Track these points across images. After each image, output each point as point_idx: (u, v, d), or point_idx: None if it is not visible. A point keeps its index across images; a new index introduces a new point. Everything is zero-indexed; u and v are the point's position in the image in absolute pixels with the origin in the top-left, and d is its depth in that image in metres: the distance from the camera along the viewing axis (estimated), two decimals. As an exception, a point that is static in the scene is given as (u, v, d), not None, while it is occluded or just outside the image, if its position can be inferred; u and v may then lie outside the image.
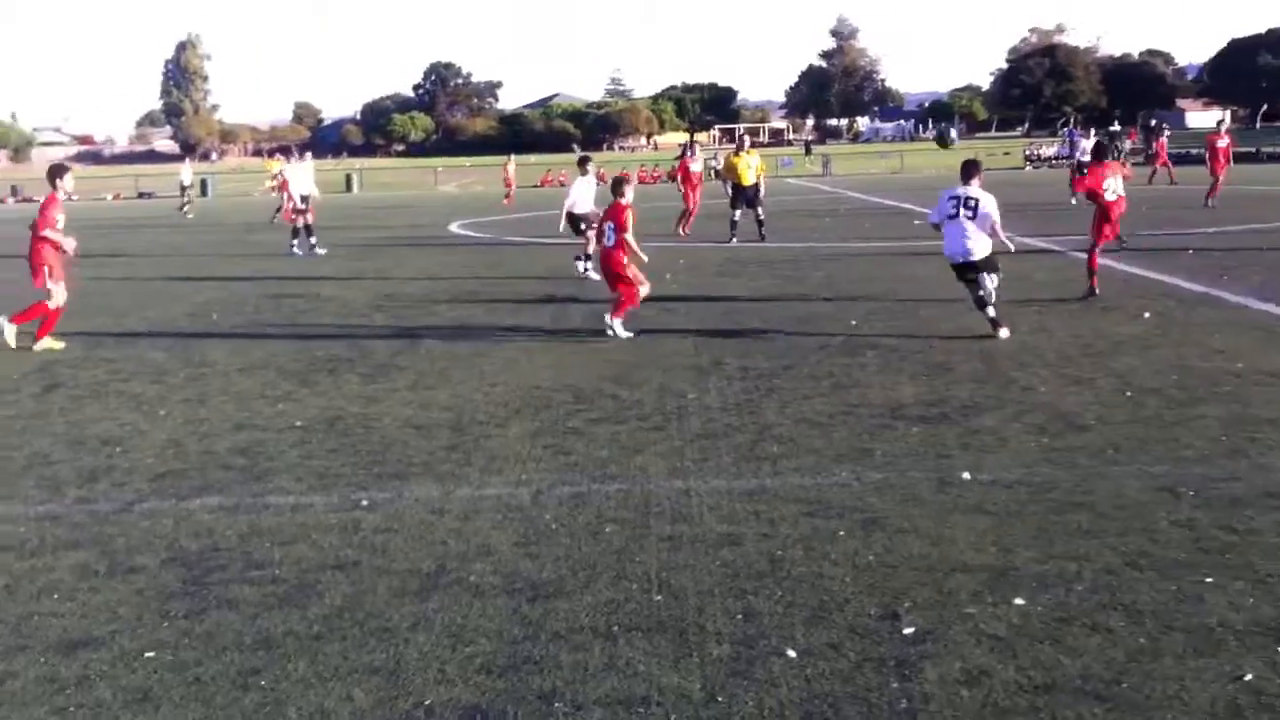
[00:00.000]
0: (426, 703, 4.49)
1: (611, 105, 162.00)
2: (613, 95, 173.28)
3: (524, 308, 15.19)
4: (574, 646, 4.91)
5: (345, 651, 4.96)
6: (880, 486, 7.02)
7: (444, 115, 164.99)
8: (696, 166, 27.63)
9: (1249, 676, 4.44)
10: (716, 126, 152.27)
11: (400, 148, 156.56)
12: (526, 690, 4.55)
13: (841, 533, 6.22)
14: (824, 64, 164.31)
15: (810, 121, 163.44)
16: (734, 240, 23.77)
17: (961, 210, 11.91)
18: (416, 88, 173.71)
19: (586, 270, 17.91)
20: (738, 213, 24.44)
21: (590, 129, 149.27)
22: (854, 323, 13.04)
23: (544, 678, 4.64)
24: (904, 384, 9.83)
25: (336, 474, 7.67)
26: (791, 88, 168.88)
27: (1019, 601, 5.23)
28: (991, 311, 11.92)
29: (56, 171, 13.41)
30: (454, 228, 32.21)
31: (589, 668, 4.71)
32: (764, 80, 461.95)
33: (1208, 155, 29.34)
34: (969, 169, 12.36)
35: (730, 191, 24.88)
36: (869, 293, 15.55)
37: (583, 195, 18.74)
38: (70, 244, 12.98)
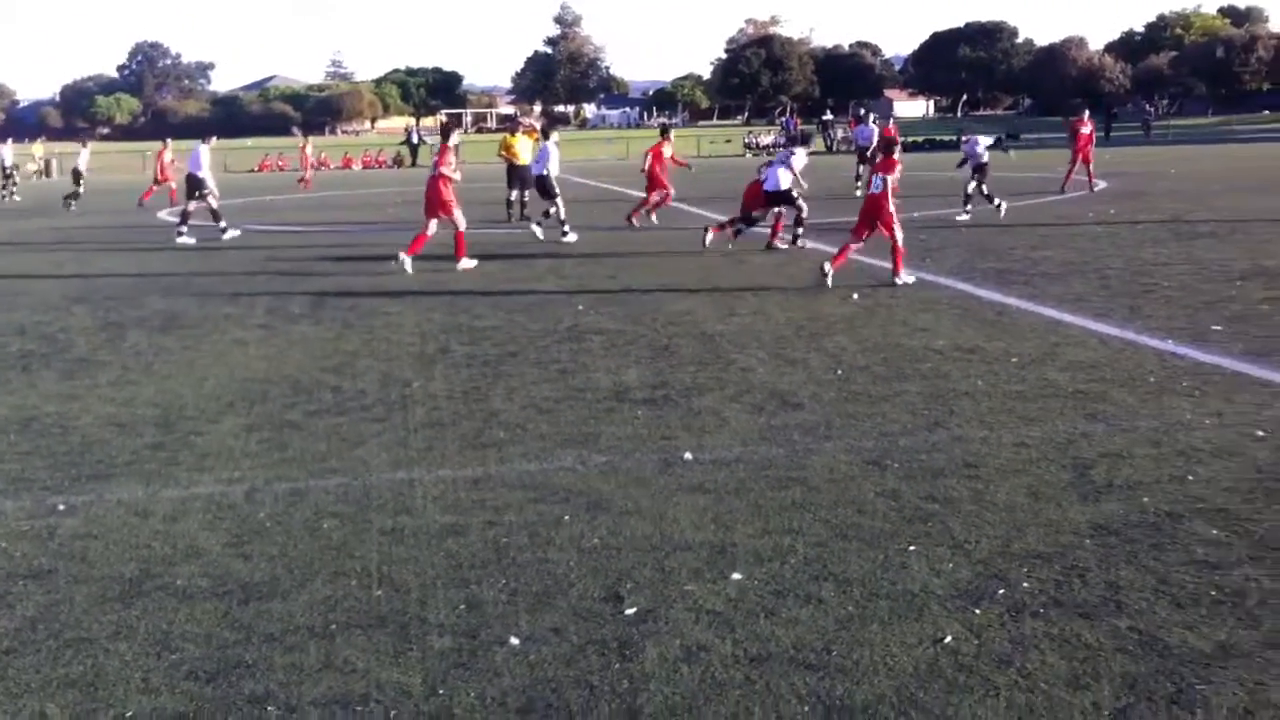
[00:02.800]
0: (128, 714, 4.23)
1: (333, 88, 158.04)
2: (334, 78, 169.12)
3: (239, 298, 14.59)
4: (288, 647, 4.72)
5: (39, 665, 4.63)
6: (605, 470, 7.07)
7: (152, 97, 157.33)
8: (668, 151, 23.80)
9: (948, 639, 4.67)
10: (443, 111, 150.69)
11: (105, 131, 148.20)
12: (237, 695, 4.35)
13: (566, 517, 6.22)
14: (549, 50, 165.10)
15: (538, 107, 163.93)
16: (511, 219, 24.75)
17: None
18: (121, 68, 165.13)
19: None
20: (514, 193, 25.02)
21: (311, 112, 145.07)
22: (581, 308, 13.11)
23: (256, 681, 4.45)
24: (629, 367, 9.93)
25: (30, 477, 7.15)
26: (518, 74, 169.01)
27: (736, 576, 5.35)
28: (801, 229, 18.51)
29: (448, 128, 18.89)
30: (164, 215, 30.66)
31: (304, 668, 4.54)
32: (490, 66, 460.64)
33: (1071, 140, 29.69)
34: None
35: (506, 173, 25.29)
36: (595, 278, 15.68)
37: (553, 161, 21.42)
38: (458, 175, 17.13)
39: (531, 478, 6.93)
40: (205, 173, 22.83)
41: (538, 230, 20.72)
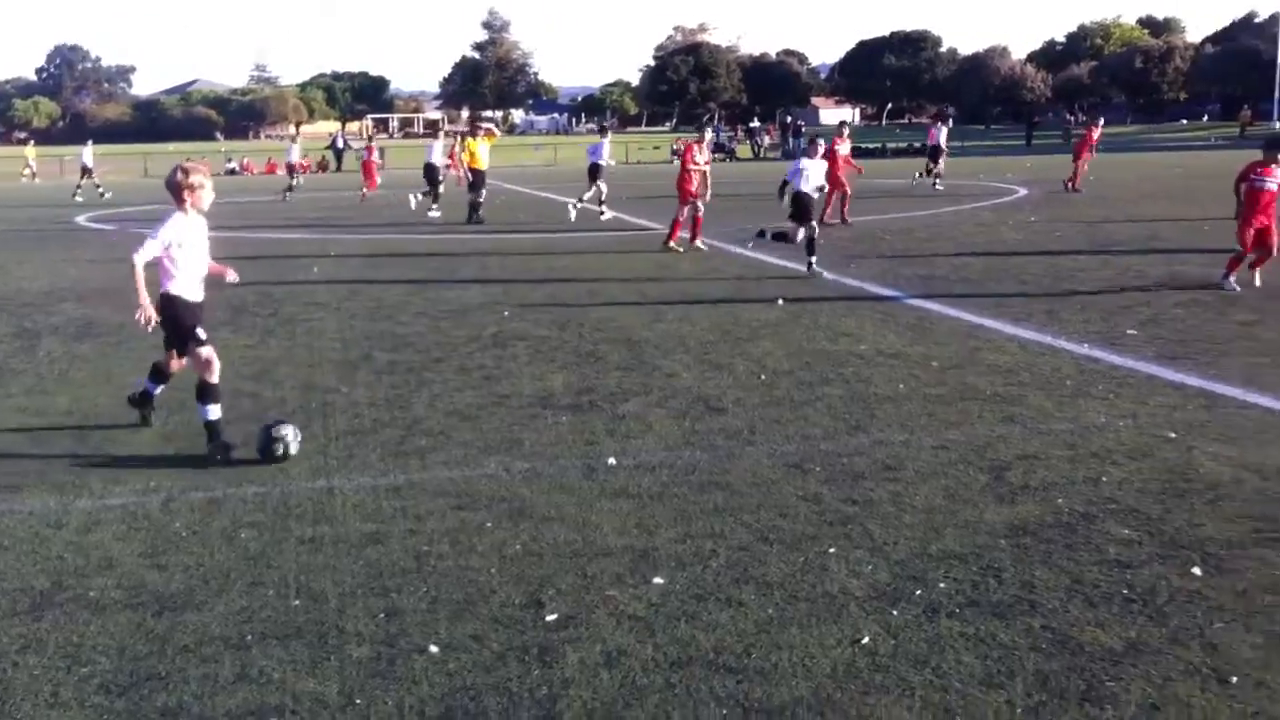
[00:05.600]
0: (36, 732, 4.14)
1: (256, 92, 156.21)
2: (258, 82, 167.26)
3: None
4: (203, 659, 4.65)
5: (-57, 682, 4.52)
6: (529, 476, 7.05)
7: (71, 101, 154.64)
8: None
9: (866, 640, 4.71)
10: (369, 116, 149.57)
11: (23, 135, 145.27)
12: (149, 708, 4.27)
13: (489, 524, 6.19)
14: (477, 56, 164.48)
15: (465, 113, 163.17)
16: (476, 220, 25.37)
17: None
18: (40, 71, 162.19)
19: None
20: (475, 195, 25.59)
21: (234, 116, 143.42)
22: (507, 314, 13.07)
23: (169, 694, 4.37)
24: (554, 373, 9.92)
25: (-63, 489, 6.98)
26: (446, 78, 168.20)
27: (659, 581, 5.36)
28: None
29: (702, 129, 20.92)
30: (82, 220, 30.13)
31: (219, 680, 4.47)
32: (418, 70, 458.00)
33: (1076, 144, 32.98)
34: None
35: (470, 177, 25.82)
36: (522, 284, 15.63)
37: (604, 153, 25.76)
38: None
39: (454, 485, 6.89)
40: (438, 160, 28.10)
41: (572, 210, 25.14)
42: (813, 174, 16.38)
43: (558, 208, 29.98)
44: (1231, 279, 13.73)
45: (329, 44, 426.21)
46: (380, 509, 6.47)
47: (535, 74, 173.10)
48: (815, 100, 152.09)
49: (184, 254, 7.73)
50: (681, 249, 18.75)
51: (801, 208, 16.15)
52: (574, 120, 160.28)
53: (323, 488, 6.85)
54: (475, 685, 4.40)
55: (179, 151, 73.14)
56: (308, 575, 5.51)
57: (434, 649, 4.70)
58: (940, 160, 34.53)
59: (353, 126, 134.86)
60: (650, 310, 13.14)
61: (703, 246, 18.84)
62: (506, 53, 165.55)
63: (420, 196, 28.40)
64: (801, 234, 16.00)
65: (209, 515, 6.40)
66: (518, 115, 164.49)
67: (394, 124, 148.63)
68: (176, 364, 8.04)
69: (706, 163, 19.40)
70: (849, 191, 24.00)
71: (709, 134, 21.17)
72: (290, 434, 7.31)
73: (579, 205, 25.39)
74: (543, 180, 46.24)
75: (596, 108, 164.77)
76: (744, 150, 71.80)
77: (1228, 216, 15.13)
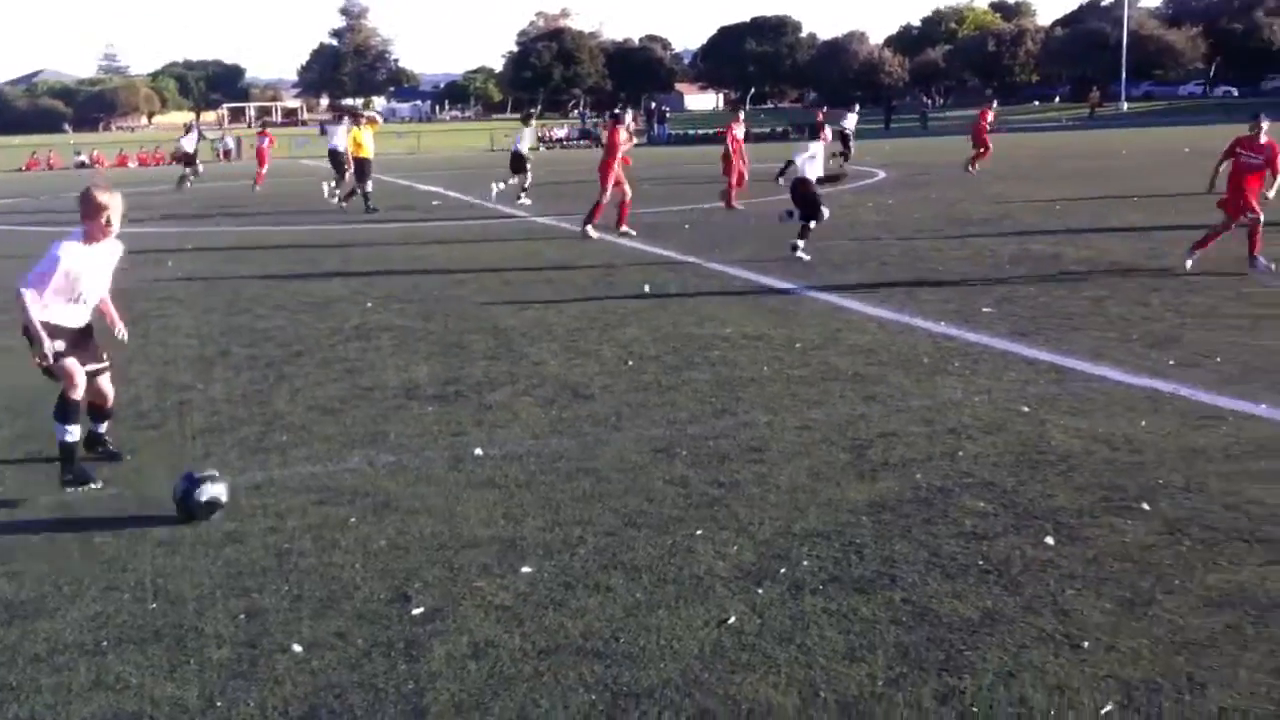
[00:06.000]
0: (-125, 753, 3.96)
1: (106, 82, 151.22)
2: (107, 71, 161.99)
3: (6, 300, 13.81)
4: (56, 667, 4.50)
5: None
6: (394, 469, 6.97)
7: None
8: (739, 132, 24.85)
9: (732, 619, 4.77)
10: (225, 105, 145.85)
11: None
12: (-1, 723, 4.13)
13: (353, 519, 6.10)
14: (335, 43, 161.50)
15: (325, 101, 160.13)
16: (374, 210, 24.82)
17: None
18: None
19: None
20: (364, 185, 25.26)
21: (83, 107, 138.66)
22: (370, 305, 12.88)
23: (21, 705, 4.22)
24: (419, 364, 9.81)
25: None
26: (304, 66, 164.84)
27: (526, 570, 5.35)
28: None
29: (619, 115, 20.76)
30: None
31: (73, 688, 4.33)
32: (275, 58, 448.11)
33: (974, 128, 33.80)
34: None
35: (351, 165, 25.75)
36: (385, 274, 15.43)
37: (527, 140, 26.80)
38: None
39: (316, 480, 6.78)
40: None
41: (525, 200, 25.69)
42: (820, 160, 16.15)
43: (421, 196, 29.70)
44: (1260, 259, 13.36)
45: (181, 32, 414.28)
46: (239, 507, 6.32)
47: (396, 61, 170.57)
48: (680, 86, 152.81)
49: (68, 282, 6.80)
50: (635, 231, 18.88)
51: (808, 197, 15.89)
52: (436, 108, 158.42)
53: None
54: (340, 683, 4.34)
55: (25, 144, 70.59)
56: (165, 578, 5.37)
57: (297, 648, 4.62)
58: (850, 146, 37.05)
59: (209, 116, 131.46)
60: (517, 298, 13.08)
61: (592, 235, 18.84)
62: (365, 39, 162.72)
63: (331, 185, 28.13)
64: (826, 215, 16.06)
65: (61, 520, 6.19)
66: (379, 103, 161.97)
67: (251, 113, 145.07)
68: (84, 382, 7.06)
69: (629, 144, 19.69)
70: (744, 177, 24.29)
71: (628, 116, 21.49)
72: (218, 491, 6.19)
73: (501, 187, 27.14)
74: (406, 169, 45.66)
75: (460, 95, 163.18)
76: (610, 137, 71.70)
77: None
